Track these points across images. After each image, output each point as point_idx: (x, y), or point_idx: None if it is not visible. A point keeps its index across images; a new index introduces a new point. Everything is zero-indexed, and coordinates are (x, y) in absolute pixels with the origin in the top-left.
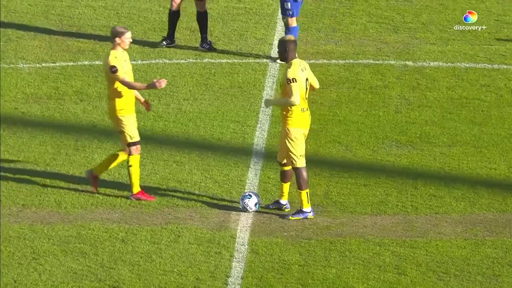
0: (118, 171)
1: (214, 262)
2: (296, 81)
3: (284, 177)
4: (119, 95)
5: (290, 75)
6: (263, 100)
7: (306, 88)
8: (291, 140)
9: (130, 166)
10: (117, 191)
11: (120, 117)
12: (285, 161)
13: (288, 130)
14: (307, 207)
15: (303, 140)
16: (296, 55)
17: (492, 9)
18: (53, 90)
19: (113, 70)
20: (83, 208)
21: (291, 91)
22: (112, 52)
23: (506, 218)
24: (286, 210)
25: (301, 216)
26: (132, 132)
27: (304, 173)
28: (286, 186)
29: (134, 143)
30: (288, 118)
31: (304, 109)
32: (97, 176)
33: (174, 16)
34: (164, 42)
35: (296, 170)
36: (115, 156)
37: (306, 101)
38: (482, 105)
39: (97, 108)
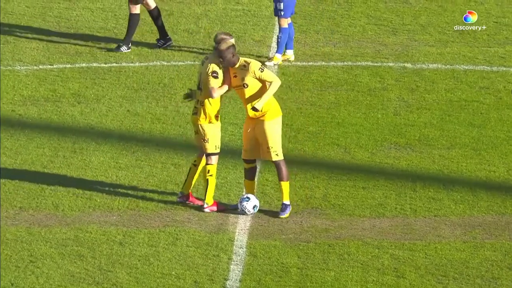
0: (116, 174)
1: (212, 265)
2: (264, 69)
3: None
4: (213, 102)
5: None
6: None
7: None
8: (276, 133)
9: (211, 175)
10: (115, 194)
11: (208, 125)
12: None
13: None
14: (287, 199)
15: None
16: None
17: (491, 11)
18: (50, 92)
19: (214, 75)
20: (80, 210)
21: (268, 76)
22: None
23: (505, 220)
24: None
25: (288, 210)
26: (217, 141)
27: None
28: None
29: (217, 153)
30: (270, 109)
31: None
32: (189, 195)
33: (135, 19)
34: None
35: (278, 162)
36: (195, 168)
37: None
38: (481, 107)
39: (95, 111)
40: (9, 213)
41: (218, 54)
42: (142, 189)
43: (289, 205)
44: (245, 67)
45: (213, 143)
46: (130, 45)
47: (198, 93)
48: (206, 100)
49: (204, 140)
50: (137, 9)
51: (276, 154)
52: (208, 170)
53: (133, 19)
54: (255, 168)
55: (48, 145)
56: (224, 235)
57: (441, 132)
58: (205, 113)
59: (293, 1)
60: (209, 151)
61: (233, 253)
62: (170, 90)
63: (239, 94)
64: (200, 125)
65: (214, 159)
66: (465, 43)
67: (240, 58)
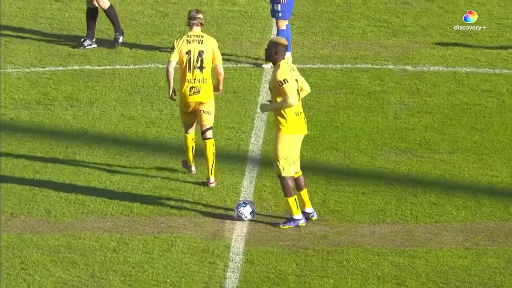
0: (110, 179)
1: (208, 272)
2: (288, 82)
3: (297, 185)
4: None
5: (280, 77)
6: (258, 106)
7: (297, 90)
8: (282, 146)
9: (214, 149)
10: (108, 199)
11: (212, 100)
12: (298, 168)
13: (281, 136)
14: (297, 214)
15: (295, 146)
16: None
17: (494, 12)
18: (42, 95)
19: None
20: (73, 216)
21: (285, 92)
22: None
23: (508, 227)
24: (313, 218)
25: (292, 224)
26: None
27: (290, 182)
28: (304, 194)
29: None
30: (281, 124)
31: (298, 113)
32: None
33: (112, 11)
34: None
35: (280, 178)
36: (193, 142)
37: (300, 104)
38: (483, 111)
39: (88, 114)
40: (1, 219)
41: None
42: (136, 194)
43: (295, 220)
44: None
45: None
46: (123, 32)
47: (198, 72)
48: (210, 75)
49: (209, 113)
50: (106, 2)
51: (281, 169)
52: (213, 144)
53: (110, 12)
54: (297, 178)
55: (40, 150)
56: (220, 242)
57: (443, 136)
58: (209, 89)
59: (292, 3)
60: (212, 124)
61: (229, 260)
62: (165, 93)
63: None
64: (208, 100)
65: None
66: (467, 45)
67: None
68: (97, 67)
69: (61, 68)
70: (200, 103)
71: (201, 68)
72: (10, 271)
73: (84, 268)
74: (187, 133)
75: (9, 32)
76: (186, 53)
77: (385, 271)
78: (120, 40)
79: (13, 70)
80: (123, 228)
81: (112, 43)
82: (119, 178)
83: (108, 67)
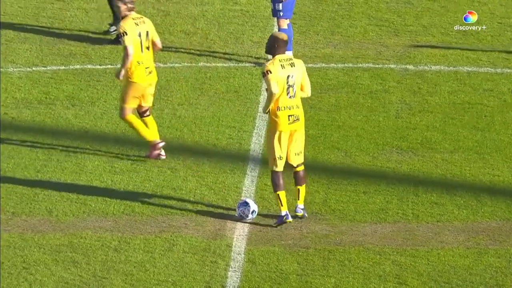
0: (111, 178)
1: (210, 271)
2: (270, 73)
3: (294, 179)
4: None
5: (266, 68)
6: (260, 105)
7: (289, 85)
8: (266, 141)
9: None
10: (110, 199)
11: None
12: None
13: (266, 131)
14: (282, 211)
15: (280, 142)
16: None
17: (495, 12)
18: (44, 94)
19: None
20: (75, 216)
21: (267, 83)
22: None
23: (510, 226)
24: (297, 214)
25: (279, 222)
26: None
27: (275, 178)
28: (301, 189)
29: None
30: (269, 118)
31: (281, 108)
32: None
33: None
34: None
35: (271, 172)
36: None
37: (291, 99)
38: (485, 110)
39: (89, 113)
40: (2, 218)
41: None
42: (138, 193)
43: (281, 215)
44: None
45: None
46: None
47: (147, 52)
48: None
49: (153, 94)
50: None
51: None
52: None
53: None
54: (296, 172)
55: (41, 149)
56: (221, 241)
57: (444, 135)
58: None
59: (293, 2)
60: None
61: (231, 259)
62: (166, 93)
63: None
64: (156, 81)
65: None
66: (468, 45)
67: None
68: (99, 66)
69: (63, 67)
70: (150, 84)
71: (148, 48)
72: (12, 270)
73: (85, 267)
74: (129, 115)
75: (11, 32)
76: (138, 35)
77: (387, 270)
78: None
79: (15, 70)
80: (124, 227)
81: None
82: (120, 178)
83: (109, 66)
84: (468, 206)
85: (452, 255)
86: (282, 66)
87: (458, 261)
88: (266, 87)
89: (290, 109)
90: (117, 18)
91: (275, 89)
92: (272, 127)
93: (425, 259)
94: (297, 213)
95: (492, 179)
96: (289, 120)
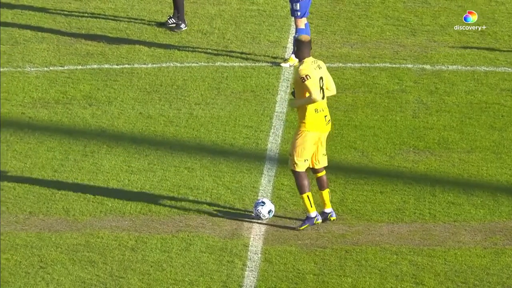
0: (128, 178)
1: (226, 271)
2: (310, 78)
3: (318, 185)
4: None
5: (303, 73)
6: (287, 101)
7: (321, 87)
8: (297, 142)
9: None
10: (126, 198)
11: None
12: (317, 166)
13: (298, 132)
14: (311, 212)
15: (311, 144)
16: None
17: None
18: (61, 94)
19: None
20: (92, 215)
21: (308, 88)
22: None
23: None
24: (332, 218)
25: (307, 223)
26: None
27: (302, 179)
28: (324, 194)
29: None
30: (301, 119)
31: (318, 110)
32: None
33: None
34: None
35: (293, 173)
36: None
37: (324, 101)
38: (502, 109)
39: (106, 113)
40: (19, 218)
41: None
42: (154, 193)
43: (309, 218)
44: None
45: None
46: (186, 22)
47: None
48: None
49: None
50: None
51: (295, 164)
52: None
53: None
54: (320, 178)
55: (58, 149)
56: (238, 241)
57: (461, 135)
58: None
59: (309, 2)
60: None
61: (247, 259)
62: (183, 92)
63: None
64: None
65: None
66: (486, 44)
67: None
68: (116, 66)
69: (80, 67)
70: None
71: None
72: (29, 270)
73: (102, 267)
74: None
75: (28, 31)
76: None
77: (403, 270)
78: (183, 27)
79: (32, 69)
80: (141, 227)
81: (174, 27)
82: (137, 177)
83: (126, 66)
84: (485, 205)
85: (469, 255)
86: (314, 69)
87: (475, 261)
88: (303, 90)
89: (323, 110)
90: (178, 11)
91: (319, 96)
92: (308, 129)
93: (442, 259)
94: (331, 217)
95: (509, 178)
96: (325, 121)
